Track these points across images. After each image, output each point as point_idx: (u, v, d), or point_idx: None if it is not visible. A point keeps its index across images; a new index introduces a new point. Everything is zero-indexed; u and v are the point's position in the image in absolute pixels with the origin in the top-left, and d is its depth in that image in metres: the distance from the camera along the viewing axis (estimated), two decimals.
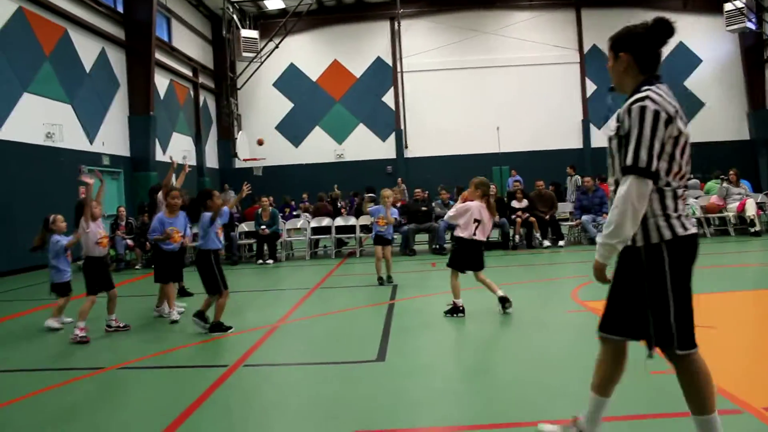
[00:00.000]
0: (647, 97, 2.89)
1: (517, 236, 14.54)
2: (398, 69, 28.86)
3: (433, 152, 28.24)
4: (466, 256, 7.55)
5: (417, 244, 15.28)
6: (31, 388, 5.22)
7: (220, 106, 28.38)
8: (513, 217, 14.63)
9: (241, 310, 7.55)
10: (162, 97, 23.09)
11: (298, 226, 16.31)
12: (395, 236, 12.50)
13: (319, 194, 17.92)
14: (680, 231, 2.94)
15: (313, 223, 15.78)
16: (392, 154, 28.77)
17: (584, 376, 4.95)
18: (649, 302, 3.01)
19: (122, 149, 20.10)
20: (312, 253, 15.67)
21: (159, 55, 22.22)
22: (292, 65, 29.19)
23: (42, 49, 16.27)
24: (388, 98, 28.97)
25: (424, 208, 14.97)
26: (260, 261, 14.50)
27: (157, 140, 21.60)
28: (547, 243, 14.36)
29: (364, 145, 28.78)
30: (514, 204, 14.85)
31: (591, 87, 28.36)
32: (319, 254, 16.04)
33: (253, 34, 26.58)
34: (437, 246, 14.49)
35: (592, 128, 28.12)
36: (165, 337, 7.16)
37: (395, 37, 28.81)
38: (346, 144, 28.98)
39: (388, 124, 28.84)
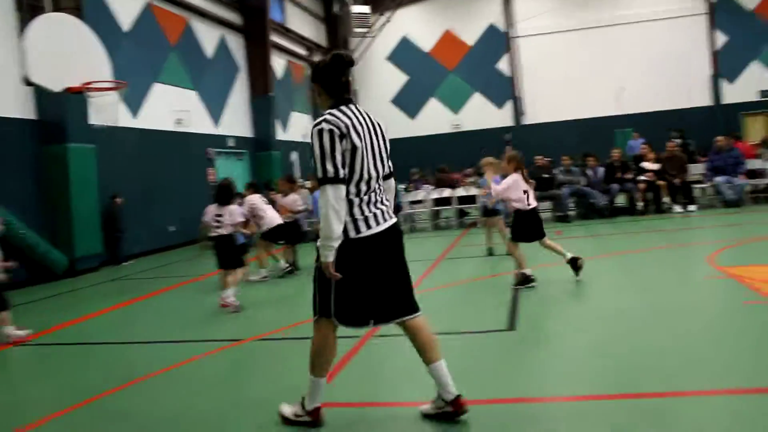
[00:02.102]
0: (323, 120, 3.46)
1: (640, 203, 13.85)
2: (512, 34, 28.16)
3: (552, 118, 27.45)
4: (529, 226, 7.61)
5: (540, 211, 14.92)
6: (182, 357, 5.53)
7: None
8: (640, 178, 13.97)
9: None
10: (279, 78, 23.70)
11: (420, 198, 16.35)
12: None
13: (441, 166, 17.82)
14: (353, 234, 3.50)
15: (435, 195, 15.75)
16: (510, 122, 28.22)
17: (727, 345, 4.76)
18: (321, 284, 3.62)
19: (245, 131, 20.85)
20: (434, 225, 15.68)
21: (275, 37, 22.76)
22: (404, 38, 29.13)
23: (168, 40, 17.07)
24: (503, 65, 28.36)
25: (545, 176, 14.59)
26: None
27: (277, 120, 22.21)
28: (678, 208, 13.64)
29: (481, 114, 28.37)
30: (646, 165, 14.15)
31: (721, 39, 26.47)
32: (441, 225, 16.02)
33: (365, 9, 26.67)
34: (561, 213, 14.11)
35: (723, 84, 26.31)
36: (296, 311, 7.39)
37: (508, 1, 28.08)
38: (462, 114, 28.70)
39: (504, 91, 28.26)
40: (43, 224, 11.92)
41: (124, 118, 14.27)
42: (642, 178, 13.97)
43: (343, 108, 3.53)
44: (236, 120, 20.32)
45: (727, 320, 5.48)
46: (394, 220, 3.74)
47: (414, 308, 3.80)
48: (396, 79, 29.38)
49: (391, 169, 3.79)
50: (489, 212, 10.22)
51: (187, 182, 16.71)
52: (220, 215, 7.72)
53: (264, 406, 4.18)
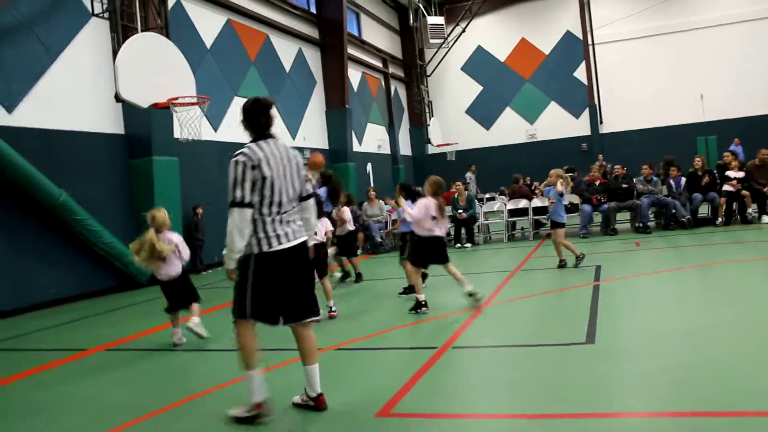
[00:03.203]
0: (240, 152, 4.16)
1: (719, 217, 13.31)
2: (589, 41, 27.69)
3: (630, 126, 26.84)
4: (430, 252, 7.63)
5: (618, 222, 14.64)
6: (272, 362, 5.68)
7: (410, 94, 29.04)
8: (724, 188, 13.46)
9: (444, 293, 7.71)
10: (355, 90, 24.02)
11: (495, 209, 16.24)
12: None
13: (515, 176, 17.68)
14: (265, 248, 4.14)
15: (510, 205, 15.64)
16: (587, 131, 27.71)
17: None
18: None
19: (321, 142, 21.21)
20: (510, 236, 15.57)
21: (351, 50, 23.10)
22: (479, 47, 29.08)
23: (248, 55, 17.59)
24: (580, 73, 27.90)
25: (624, 185, 14.27)
26: (458, 245, 14.63)
27: (353, 132, 22.50)
28: (765, 219, 13.08)
29: (557, 123, 28.00)
30: (730, 174, 13.63)
31: None
32: (517, 236, 15.89)
33: (440, 20, 26.76)
34: (640, 224, 13.77)
35: None
36: (374, 321, 7.49)
37: (584, 8, 27.65)
38: (538, 123, 28.39)
39: (581, 99, 27.78)
40: (129, 235, 12.44)
41: (206, 132, 14.75)
42: (726, 188, 13.46)
43: (261, 143, 4.22)
44: (313, 132, 20.70)
45: None
46: (304, 238, 4.36)
47: (313, 312, 4.42)
48: (471, 89, 29.33)
49: (308, 193, 4.45)
50: (555, 224, 10.07)
51: None
52: None
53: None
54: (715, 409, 3.82)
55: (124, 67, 10.34)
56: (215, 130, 15.69)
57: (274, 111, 4.38)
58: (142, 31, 11.60)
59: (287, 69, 19.61)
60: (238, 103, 16.72)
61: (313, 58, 21.33)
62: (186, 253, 6.81)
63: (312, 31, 21.27)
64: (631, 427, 3.75)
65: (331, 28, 21.57)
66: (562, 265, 9.91)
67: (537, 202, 15.25)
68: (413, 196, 8.32)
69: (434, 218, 7.56)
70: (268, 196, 4.16)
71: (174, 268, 6.77)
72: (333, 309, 7.76)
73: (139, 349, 7.15)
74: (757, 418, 3.63)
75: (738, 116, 25.12)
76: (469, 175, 24.10)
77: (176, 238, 6.80)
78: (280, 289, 4.23)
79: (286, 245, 4.20)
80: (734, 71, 25.37)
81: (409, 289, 8.22)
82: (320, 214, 7.83)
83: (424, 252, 7.69)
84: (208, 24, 15.96)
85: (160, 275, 6.79)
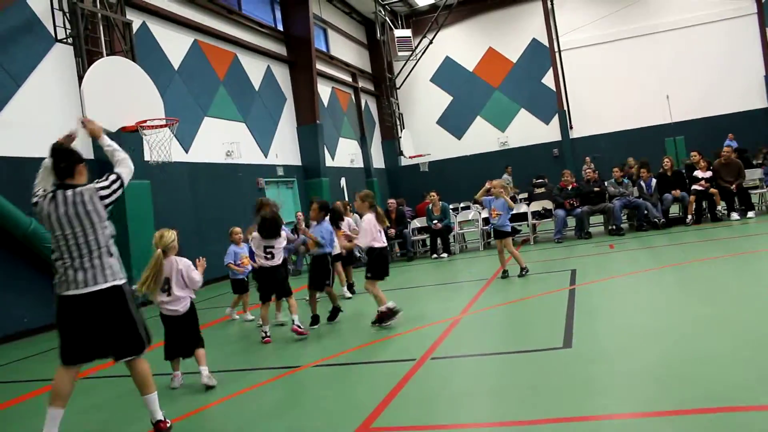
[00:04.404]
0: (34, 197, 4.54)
1: (689, 216, 13.50)
2: (555, 48, 28.00)
3: (600, 130, 27.14)
4: (384, 263, 7.74)
5: (592, 226, 14.77)
6: (235, 388, 5.65)
7: (381, 107, 29.14)
8: (693, 187, 13.65)
9: (422, 304, 7.72)
10: (326, 105, 24.05)
11: (470, 218, 16.30)
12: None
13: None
14: (59, 292, 4.42)
15: (484, 214, 15.69)
16: (557, 137, 27.97)
17: None
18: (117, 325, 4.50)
19: (294, 159, 21.18)
20: (485, 244, 15.63)
21: (320, 65, 23.14)
22: (447, 58, 29.28)
23: (216, 74, 17.54)
24: (548, 80, 28.18)
25: (596, 189, 14.42)
26: (435, 255, 14.65)
27: (325, 147, 22.50)
28: (735, 216, 13.29)
29: (528, 130, 28.22)
30: (698, 174, 13.83)
31: None
32: (493, 245, 15.91)
33: (407, 33, 26.93)
34: (614, 227, 13.91)
35: None
36: (348, 337, 7.46)
37: (549, 15, 27.96)
38: (509, 131, 28.58)
39: (550, 106, 28.06)
40: None
41: (177, 153, 14.66)
42: (695, 187, 13.66)
43: (56, 191, 4.45)
44: (285, 149, 20.67)
45: None
46: (96, 287, 4.40)
47: (125, 352, 4.59)
48: (441, 100, 29.50)
49: (103, 236, 4.49)
50: (502, 234, 10.13)
51: (240, 212, 17.03)
52: (271, 246, 7.81)
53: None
54: (695, 406, 3.86)
55: (90, 91, 10.27)
56: (186, 152, 15.60)
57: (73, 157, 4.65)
58: (107, 55, 11.54)
59: (257, 87, 19.59)
60: (208, 124, 16.68)
61: (282, 75, 21.34)
62: (195, 280, 5.97)
63: (280, 49, 21.28)
64: (613, 428, 3.78)
65: (299, 45, 21.60)
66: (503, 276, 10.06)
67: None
68: (334, 218, 8.25)
69: (380, 231, 7.77)
70: (55, 243, 4.43)
71: (181, 303, 5.99)
72: (295, 323, 7.58)
73: (114, 375, 7.05)
74: (737, 413, 3.68)
75: (704, 116, 25.54)
76: (506, 177, 23.77)
77: (183, 263, 6.03)
78: (75, 331, 4.44)
79: (75, 292, 4.37)
80: (698, 72, 25.81)
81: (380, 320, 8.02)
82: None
83: (381, 264, 7.74)
84: (175, 45, 15.91)
85: (164, 309, 6.03)
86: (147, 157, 11.80)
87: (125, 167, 4.80)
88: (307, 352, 6.85)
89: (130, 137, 11.88)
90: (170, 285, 5.95)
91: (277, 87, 20.88)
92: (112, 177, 4.65)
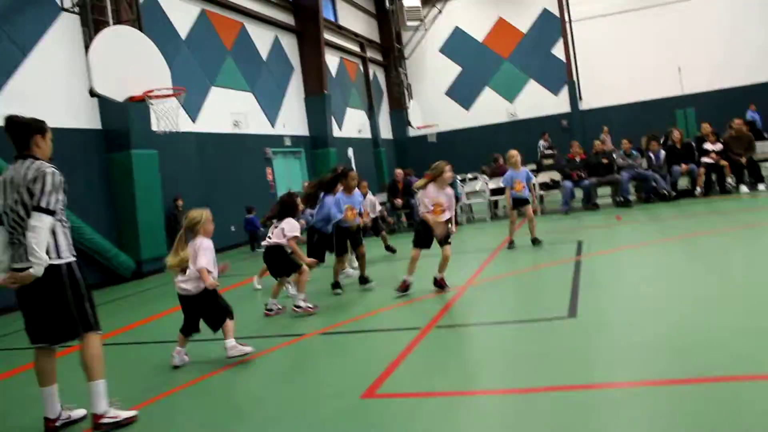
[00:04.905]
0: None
1: (698, 188, 13.44)
2: (566, 18, 27.69)
3: (610, 102, 26.90)
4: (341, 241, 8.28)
5: (600, 197, 14.73)
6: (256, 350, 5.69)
7: (389, 78, 28.98)
8: (703, 160, 13.56)
9: (428, 274, 7.75)
10: (334, 75, 23.94)
11: (477, 189, 16.28)
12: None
13: (494, 155, 17.71)
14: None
15: (491, 185, 15.68)
16: (566, 108, 27.77)
17: None
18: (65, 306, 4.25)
19: (301, 129, 21.16)
20: (492, 215, 15.63)
21: (328, 35, 23.00)
22: (456, 29, 29.01)
23: (223, 44, 17.47)
24: (558, 50, 27.91)
25: (605, 161, 14.35)
26: None
27: (332, 117, 22.47)
28: (744, 188, 13.21)
29: (537, 101, 28.02)
30: (707, 146, 13.72)
31: None
32: (499, 215, 15.94)
33: (416, 2, 26.67)
34: (621, 198, 13.87)
35: None
36: (355, 306, 7.53)
37: None
38: (518, 102, 28.41)
39: (560, 77, 27.81)
40: (110, 229, 12.42)
41: (184, 123, 14.69)
42: (705, 159, 13.57)
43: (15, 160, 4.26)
44: (292, 119, 20.64)
45: None
46: (22, 264, 4.14)
47: (58, 337, 4.35)
48: (449, 70, 29.28)
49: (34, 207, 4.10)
50: (520, 202, 10.20)
51: (247, 182, 17.11)
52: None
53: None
54: (696, 376, 3.89)
55: (97, 61, 10.26)
56: (194, 121, 15.61)
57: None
58: (114, 24, 11.50)
59: (264, 57, 19.51)
60: (215, 93, 16.66)
61: (290, 45, 21.22)
62: (199, 264, 5.49)
63: (288, 18, 21.14)
64: (614, 397, 3.81)
65: (307, 15, 21.44)
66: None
67: None
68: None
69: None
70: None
71: (192, 283, 5.60)
72: (269, 307, 7.51)
73: (125, 342, 7.15)
74: (736, 383, 3.72)
75: (715, 88, 25.26)
76: (542, 143, 23.64)
77: (199, 245, 5.57)
78: (22, 309, 4.34)
79: (15, 266, 4.19)
80: (711, 44, 25.44)
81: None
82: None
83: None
84: (182, 15, 15.83)
85: (177, 288, 5.71)
86: (154, 127, 11.81)
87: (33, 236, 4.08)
88: (313, 320, 6.91)
89: (137, 107, 11.89)
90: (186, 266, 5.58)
91: (284, 57, 20.78)
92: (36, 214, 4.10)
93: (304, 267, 7.17)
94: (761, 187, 13.19)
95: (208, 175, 15.79)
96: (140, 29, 11.86)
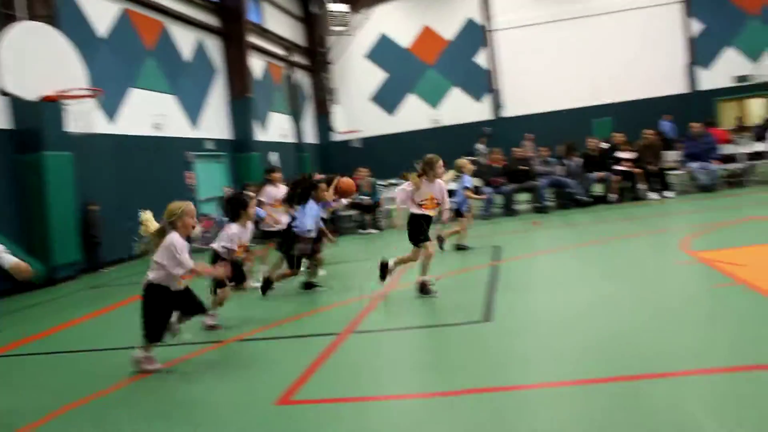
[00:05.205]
0: None
1: (612, 195, 14.00)
2: (490, 28, 28.29)
3: (531, 110, 27.56)
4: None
5: (519, 203, 15.10)
6: (170, 357, 5.58)
7: (315, 82, 28.91)
8: (617, 168, 14.12)
9: (348, 279, 7.80)
10: (259, 79, 23.70)
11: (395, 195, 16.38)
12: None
13: (415, 162, 17.85)
14: None
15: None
16: (489, 115, 28.35)
17: (698, 327, 4.92)
18: None
19: (224, 133, 20.83)
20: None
21: (253, 38, 22.75)
22: (382, 35, 29.18)
23: (144, 45, 17.05)
24: (482, 59, 28.48)
25: (523, 167, 14.73)
26: (361, 231, 14.75)
27: (257, 121, 22.23)
28: (654, 195, 13.83)
29: (460, 108, 28.46)
30: (620, 155, 14.30)
31: (696, 27, 26.68)
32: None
33: (343, 7, 26.69)
34: (539, 204, 14.27)
35: (699, 71, 26.55)
36: (276, 311, 7.47)
37: None
38: (442, 109, 28.79)
39: (483, 85, 28.37)
40: (20, 233, 11.91)
41: (101, 125, 14.28)
42: (618, 167, 14.13)
43: None
44: (215, 122, 20.30)
45: (698, 304, 5.66)
46: None
47: None
48: (375, 76, 29.41)
49: None
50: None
51: (167, 187, 16.71)
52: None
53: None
54: (606, 375, 4.08)
55: (7, 58, 9.85)
56: (112, 123, 15.15)
57: None
58: (27, 19, 11.08)
59: (187, 59, 19.13)
60: (136, 95, 16.21)
61: (215, 47, 20.87)
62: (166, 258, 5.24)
63: (213, 20, 20.78)
64: (529, 397, 3.94)
65: (231, 17, 21.13)
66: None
67: None
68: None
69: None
70: None
71: (151, 272, 5.42)
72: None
73: (27, 354, 6.90)
74: (650, 380, 3.92)
75: (631, 99, 26.27)
76: (479, 146, 23.64)
77: (169, 240, 5.30)
78: None
79: None
80: (626, 56, 26.43)
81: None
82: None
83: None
84: (101, 13, 15.32)
85: None
86: (69, 128, 11.42)
87: None
88: (232, 327, 6.83)
89: (51, 107, 11.49)
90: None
91: (208, 59, 20.43)
92: None
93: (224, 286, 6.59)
94: (669, 194, 13.83)
95: (127, 179, 15.33)
96: (55, 26, 11.46)
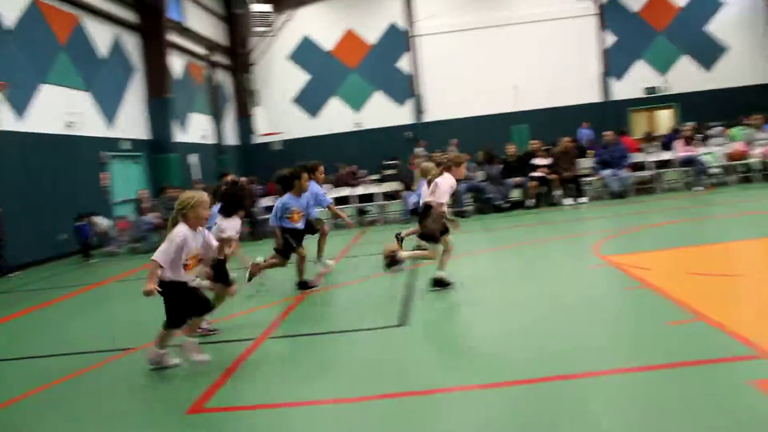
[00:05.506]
0: None
1: (527, 200, 14.41)
2: (412, 33, 28.60)
3: (452, 115, 28.02)
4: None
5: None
6: (60, 374, 5.38)
7: (237, 83, 28.52)
8: (533, 174, 14.52)
9: (266, 283, 7.72)
10: (179, 78, 23.17)
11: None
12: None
13: (336, 165, 17.91)
14: None
15: (334, 194, 15.80)
16: (411, 120, 28.65)
17: (608, 329, 5.11)
18: None
19: (142, 133, 20.26)
20: (333, 225, 15.73)
21: (173, 37, 22.25)
22: (305, 37, 29.06)
23: (57, 39, 16.39)
24: (404, 64, 28.76)
25: None
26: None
27: (175, 121, 21.74)
28: (569, 201, 14.28)
29: (382, 112, 28.67)
30: (537, 161, 14.72)
31: (610, 39, 27.78)
32: (340, 224, 16.06)
33: (266, 8, 26.42)
34: (459, 209, 14.47)
35: (612, 81, 27.65)
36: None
37: (408, 1, 28.50)
38: (364, 112, 28.91)
39: (405, 89, 28.67)
40: None
41: (8, 121, 13.67)
42: (535, 174, 14.52)
43: None
44: (132, 122, 19.72)
45: (608, 306, 5.88)
46: None
47: None
48: (297, 78, 29.27)
49: None
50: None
51: (80, 188, 16.11)
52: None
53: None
54: (519, 377, 4.17)
55: None
56: (19, 120, 14.46)
57: None
58: None
59: (103, 55, 18.51)
60: (46, 91, 15.56)
61: (133, 44, 20.28)
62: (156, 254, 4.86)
63: (131, 16, 20.19)
64: (441, 401, 3.98)
65: (151, 13, 20.58)
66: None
67: (360, 190, 15.63)
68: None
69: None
70: None
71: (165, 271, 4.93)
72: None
73: None
74: (554, 382, 4.04)
75: (548, 106, 27.08)
76: (419, 149, 23.48)
77: (173, 234, 4.95)
78: None
79: None
80: (545, 65, 27.30)
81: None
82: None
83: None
84: (9, 3, 14.64)
85: None
86: None
87: None
88: (142, 332, 6.62)
89: None
90: None
91: (126, 56, 19.83)
92: None
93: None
94: (582, 200, 14.31)
95: (36, 179, 14.69)
96: None
